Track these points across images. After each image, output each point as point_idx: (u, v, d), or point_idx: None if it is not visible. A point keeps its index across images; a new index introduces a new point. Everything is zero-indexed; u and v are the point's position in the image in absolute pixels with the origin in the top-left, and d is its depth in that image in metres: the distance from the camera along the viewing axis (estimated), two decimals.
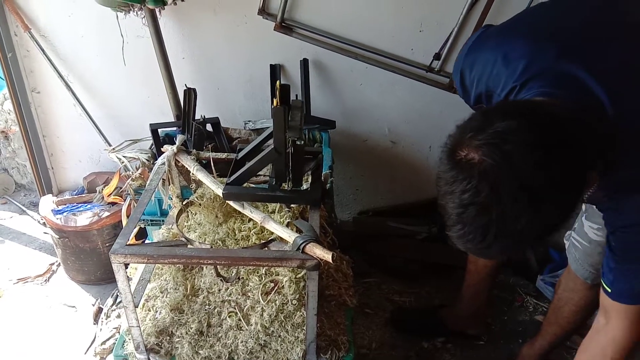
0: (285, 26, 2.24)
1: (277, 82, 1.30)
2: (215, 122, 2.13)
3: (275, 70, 2.32)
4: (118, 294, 2.16)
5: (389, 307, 2.28)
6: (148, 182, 1.54)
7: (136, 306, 1.35)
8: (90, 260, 2.35)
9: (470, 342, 2.12)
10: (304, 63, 2.28)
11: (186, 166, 1.57)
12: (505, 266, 2.11)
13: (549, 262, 2.40)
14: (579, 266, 1.59)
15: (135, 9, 2.08)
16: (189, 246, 1.38)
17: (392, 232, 2.58)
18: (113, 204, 2.40)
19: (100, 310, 2.24)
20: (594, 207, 1.42)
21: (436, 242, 2.52)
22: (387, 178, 2.67)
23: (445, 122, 2.41)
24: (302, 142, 1.33)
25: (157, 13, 2.15)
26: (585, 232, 1.51)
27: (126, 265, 1.27)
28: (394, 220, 2.61)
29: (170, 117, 2.35)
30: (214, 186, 1.46)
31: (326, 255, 1.17)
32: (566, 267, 1.71)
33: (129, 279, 1.31)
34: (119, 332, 1.95)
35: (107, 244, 2.33)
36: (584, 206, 1.52)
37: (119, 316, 2.12)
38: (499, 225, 0.87)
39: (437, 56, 2.23)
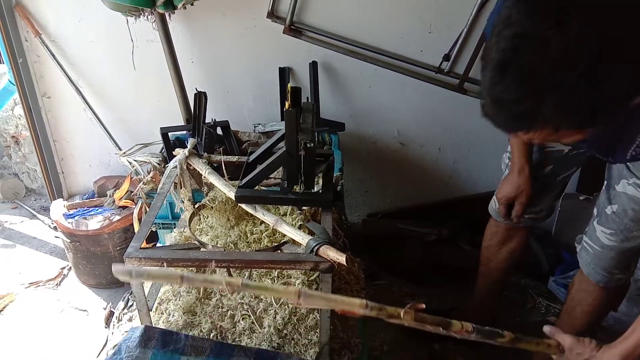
0: (295, 29, 2.24)
1: (289, 85, 1.30)
2: (225, 125, 2.14)
3: (285, 73, 2.33)
4: (130, 297, 2.16)
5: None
6: (160, 186, 1.54)
7: (150, 309, 1.36)
8: (102, 264, 2.36)
9: (481, 344, 2.10)
10: (313, 66, 2.29)
11: (198, 169, 1.58)
12: (517, 268, 2.10)
13: (561, 263, 2.38)
14: (591, 270, 1.57)
15: (146, 14, 2.08)
16: (202, 249, 1.38)
17: (402, 234, 2.57)
18: (124, 207, 2.41)
19: (111, 313, 2.24)
20: (608, 208, 1.42)
21: (446, 244, 2.51)
22: (397, 180, 2.67)
23: (454, 123, 2.40)
24: (314, 144, 1.34)
25: (167, 17, 2.17)
26: (598, 237, 1.49)
27: None
28: (404, 222, 2.60)
29: (180, 121, 2.35)
30: (226, 189, 1.46)
31: (340, 258, 1.17)
32: (579, 269, 1.70)
33: (142, 282, 1.31)
34: None
35: (118, 248, 2.33)
36: (595, 210, 1.50)
37: (130, 319, 2.11)
38: (545, 66, 0.79)
39: (446, 57, 2.23)
